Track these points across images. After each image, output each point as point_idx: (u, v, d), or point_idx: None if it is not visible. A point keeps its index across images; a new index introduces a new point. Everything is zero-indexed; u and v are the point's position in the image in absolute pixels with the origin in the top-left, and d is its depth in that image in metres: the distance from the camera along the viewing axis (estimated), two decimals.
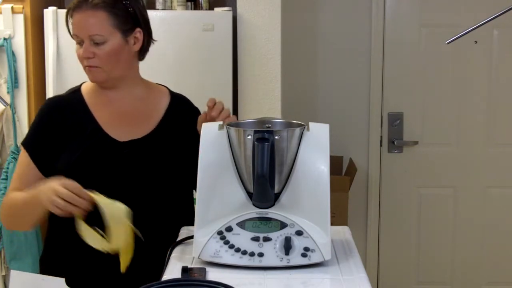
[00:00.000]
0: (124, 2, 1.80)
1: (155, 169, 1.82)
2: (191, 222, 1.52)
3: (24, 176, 1.86)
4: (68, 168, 1.79)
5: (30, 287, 1.61)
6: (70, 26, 1.81)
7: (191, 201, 1.91)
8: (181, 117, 1.92)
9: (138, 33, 1.84)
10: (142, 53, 1.90)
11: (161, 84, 2.01)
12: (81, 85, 1.95)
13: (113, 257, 1.75)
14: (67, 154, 1.81)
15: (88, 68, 1.81)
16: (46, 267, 1.91)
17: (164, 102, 1.94)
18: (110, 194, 1.73)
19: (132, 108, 1.90)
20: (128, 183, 1.80)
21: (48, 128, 1.86)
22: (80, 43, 1.79)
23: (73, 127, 1.84)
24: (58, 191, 1.61)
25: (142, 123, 1.88)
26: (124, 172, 1.80)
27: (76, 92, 1.93)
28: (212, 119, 1.75)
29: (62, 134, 1.84)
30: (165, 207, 1.85)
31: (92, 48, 1.77)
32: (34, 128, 1.90)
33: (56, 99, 1.95)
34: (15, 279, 1.63)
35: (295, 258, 1.38)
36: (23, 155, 1.87)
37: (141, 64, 1.96)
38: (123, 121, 1.87)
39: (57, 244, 1.89)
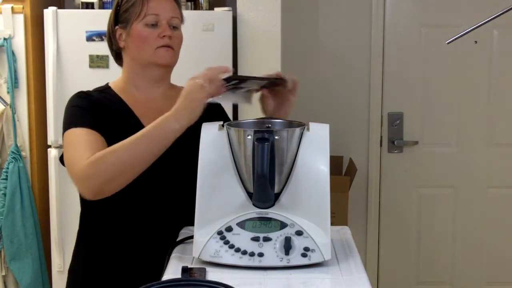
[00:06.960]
0: None
1: (190, 161, 1.64)
2: (192, 222, 1.50)
3: (92, 143, 1.65)
4: None
5: None
6: (144, 7, 1.76)
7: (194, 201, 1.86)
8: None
9: None
10: None
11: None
12: (107, 84, 1.87)
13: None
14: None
15: (164, 48, 1.78)
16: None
17: None
18: (147, 186, 1.71)
19: (165, 106, 1.74)
20: (164, 177, 1.75)
21: (93, 109, 1.73)
22: (154, 24, 1.76)
23: (114, 117, 1.75)
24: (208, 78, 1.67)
25: None
26: (167, 164, 1.70)
27: (106, 89, 1.84)
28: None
29: (106, 120, 1.72)
30: (180, 204, 1.78)
31: (170, 30, 1.78)
32: (78, 110, 1.74)
33: (88, 92, 1.81)
34: None
35: (295, 258, 1.38)
36: (78, 132, 1.67)
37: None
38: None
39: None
